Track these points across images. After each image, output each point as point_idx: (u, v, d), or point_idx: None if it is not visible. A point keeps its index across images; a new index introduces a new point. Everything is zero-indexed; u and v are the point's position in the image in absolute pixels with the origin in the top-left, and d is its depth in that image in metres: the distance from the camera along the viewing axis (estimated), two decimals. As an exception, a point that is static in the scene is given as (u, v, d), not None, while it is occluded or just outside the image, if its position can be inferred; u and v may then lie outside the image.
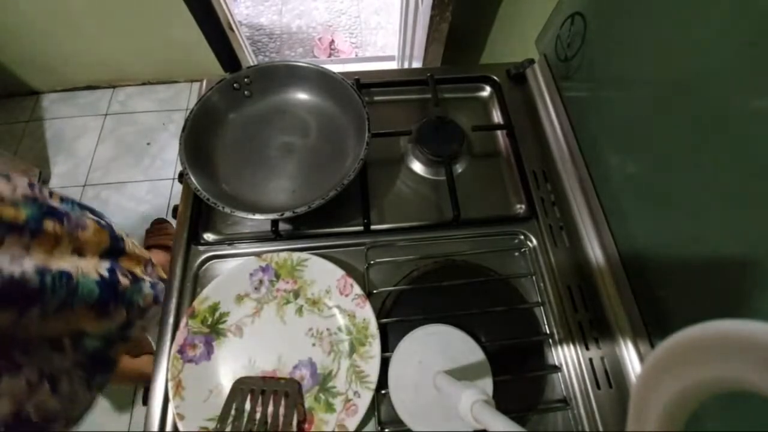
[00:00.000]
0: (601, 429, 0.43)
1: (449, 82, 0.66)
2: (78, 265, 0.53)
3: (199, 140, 0.54)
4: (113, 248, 0.62)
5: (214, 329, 0.47)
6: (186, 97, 1.60)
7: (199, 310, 0.47)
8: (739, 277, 0.31)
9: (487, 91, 0.68)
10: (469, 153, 0.61)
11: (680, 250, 0.38)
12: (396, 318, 0.48)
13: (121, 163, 1.46)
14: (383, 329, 0.47)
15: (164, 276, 0.84)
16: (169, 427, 0.43)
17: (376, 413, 0.43)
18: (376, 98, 0.66)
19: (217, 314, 0.47)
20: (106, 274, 0.57)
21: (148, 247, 1.22)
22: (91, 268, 0.55)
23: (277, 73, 0.59)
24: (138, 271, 0.68)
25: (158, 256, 1.17)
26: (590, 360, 0.46)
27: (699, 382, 0.13)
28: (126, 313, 0.60)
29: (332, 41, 1.81)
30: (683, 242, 0.37)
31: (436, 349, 0.44)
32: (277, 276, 0.49)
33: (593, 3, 0.48)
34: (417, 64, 1.17)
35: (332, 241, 0.53)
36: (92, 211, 0.63)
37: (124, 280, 0.60)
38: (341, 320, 0.47)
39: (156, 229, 1.29)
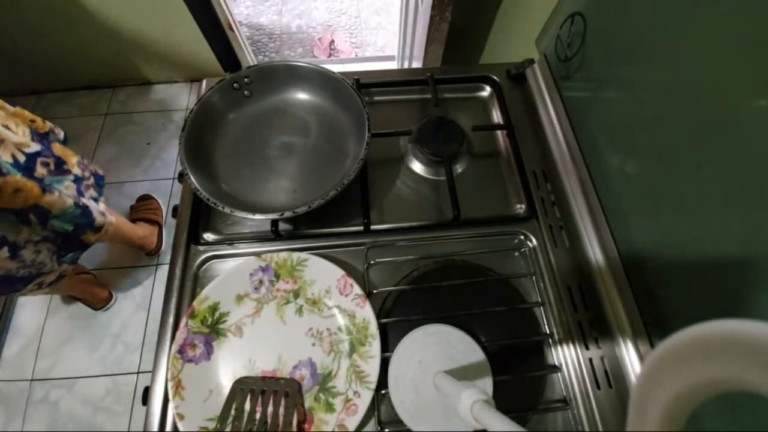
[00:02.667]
0: (601, 429, 0.43)
1: (449, 82, 0.66)
2: None
3: (199, 140, 0.55)
4: (38, 136, 0.73)
5: (214, 329, 0.47)
6: (186, 97, 1.61)
7: (199, 310, 0.47)
8: (739, 277, 0.31)
9: (487, 91, 0.68)
10: (469, 153, 0.61)
11: (680, 250, 0.38)
12: (396, 318, 0.48)
13: (121, 163, 1.46)
14: (383, 329, 0.47)
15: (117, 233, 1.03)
16: (169, 427, 0.43)
17: (376, 413, 0.43)
18: (376, 98, 0.66)
19: (217, 314, 0.47)
20: (22, 158, 0.66)
21: (133, 221, 1.27)
22: (8, 152, 0.64)
23: (276, 73, 0.59)
24: (73, 161, 0.77)
25: (144, 229, 1.24)
26: (590, 360, 0.46)
27: (699, 382, 0.13)
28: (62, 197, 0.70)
29: (332, 41, 1.81)
30: (683, 242, 0.37)
31: (436, 349, 0.44)
32: (277, 276, 0.49)
33: (593, 3, 0.48)
34: (417, 64, 1.17)
35: (332, 241, 0.53)
36: None
37: (41, 170, 0.69)
38: (341, 320, 0.47)
39: (140, 205, 1.34)
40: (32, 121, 0.74)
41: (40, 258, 0.72)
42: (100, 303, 1.19)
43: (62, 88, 1.59)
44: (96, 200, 0.83)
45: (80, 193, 0.77)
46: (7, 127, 0.66)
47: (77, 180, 0.77)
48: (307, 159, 0.57)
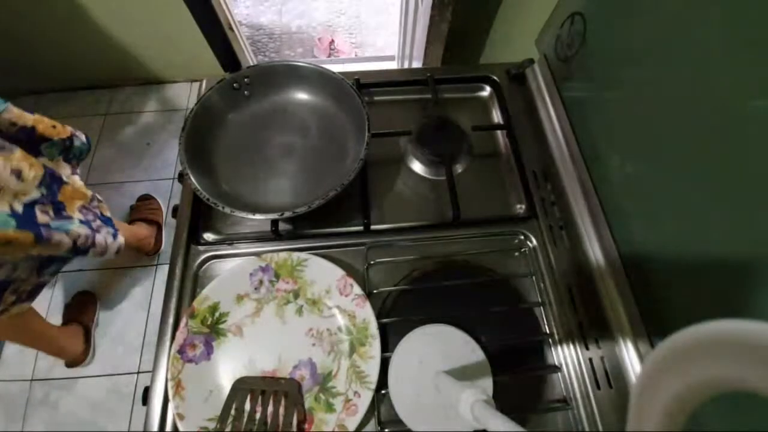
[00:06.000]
0: (601, 429, 0.43)
1: (449, 82, 0.66)
2: None
3: (199, 140, 0.54)
4: (51, 178, 0.68)
5: (214, 329, 0.47)
6: (186, 97, 1.60)
7: (199, 310, 0.47)
8: (739, 277, 0.31)
9: (487, 91, 0.68)
10: (469, 153, 0.61)
11: (680, 251, 0.38)
12: (396, 318, 0.48)
13: (121, 163, 1.46)
14: (383, 329, 0.47)
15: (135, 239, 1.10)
16: (169, 427, 0.43)
17: (376, 413, 0.43)
18: (376, 98, 0.66)
19: (217, 314, 0.47)
20: (20, 208, 0.62)
21: (132, 221, 1.26)
22: (5, 202, 0.60)
23: (276, 73, 0.59)
24: (74, 206, 0.73)
25: (142, 230, 1.22)
26: (590, 360, 0.46)
27: (699, 382, 0.13)
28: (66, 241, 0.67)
29: (332, 41, 1.81)
30: (683, 242, 0.37)
31: (436, 349, 0.44)
32: (277, 276, 0.49)
33: (593, 3, 0.48)
34: (417, 64, 1.17)
35: (332, 241, 0.53)
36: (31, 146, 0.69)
37: (42, 217, 0.65)
38: (341, 320, 0.47)
39: (140, 205, 1.32)
40: (53, 126, 0.71)
41: (18, 273, 0.69)
42: (73, 359, 1.11)
43: (62, 88, 1.59)
44: (114, 236, 0.79)
45: (89, 238, 0.73)
46: (17, 172, 0.61)
47: (86, 223, 0.73)
48: (307, 159, 0.57)
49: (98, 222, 0.77)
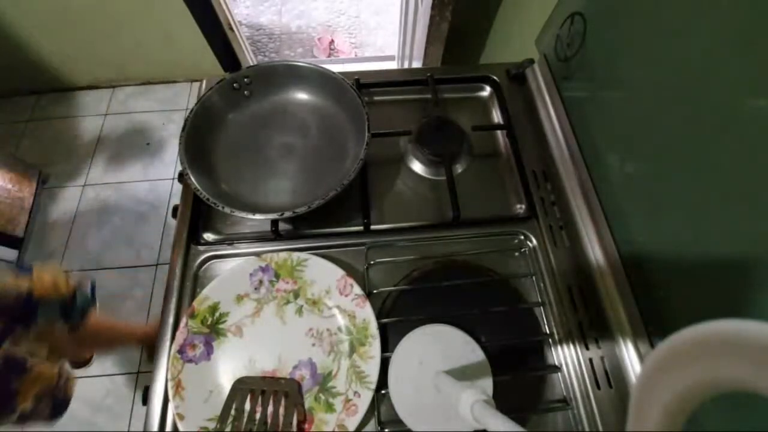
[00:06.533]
0: (601, 429, 0.43)
1: (449, 82, 0.66)
2: None
3: (199, 140, 0.54)
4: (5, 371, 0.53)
5: (214, 329, 0.47)
6: (186, 97, 1.61)
7: (199, 310, 0.47)
8: (739, 277, 0.31)
9: (487, 91, 0.68)
10: (469, 153, 0.61)
11: (680, 250, 0.38)
12: (396, 318, 0.48)
13: (121, 163, 1.46)
14: (383, 329, 0.47)
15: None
16: (169, 427, 0.43)
17: (376, 413, 0.43)
18: (376, 98, 0.66)
19: (216, 314, 0.47)
20: None
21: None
22: None
23: (276, 73, 0.59)
24: (30, 394, 0.54)
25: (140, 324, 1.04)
26: (590, 360, 0.46)
27: (699, 382, 0.13)
28: None
29: (332, 41, 1.81)
30: (683, 242, 0.37)
31: (436, 349, 0.44)
32: (277, 276, 0.49)
33: (593, 3, 0.48)
34: (417, 64, 1.17)
35: (332, 241, 0.53)
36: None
37: None
38: (341, 320, 0.47)
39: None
40: (54, 286, 0.57)
41: None
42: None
43: (62, 88, 1.59)
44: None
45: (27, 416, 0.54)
46: None
47: (21, 418, 0.54)
48: (307, 159, 0.57)
49: (46, 411, 0.58)
